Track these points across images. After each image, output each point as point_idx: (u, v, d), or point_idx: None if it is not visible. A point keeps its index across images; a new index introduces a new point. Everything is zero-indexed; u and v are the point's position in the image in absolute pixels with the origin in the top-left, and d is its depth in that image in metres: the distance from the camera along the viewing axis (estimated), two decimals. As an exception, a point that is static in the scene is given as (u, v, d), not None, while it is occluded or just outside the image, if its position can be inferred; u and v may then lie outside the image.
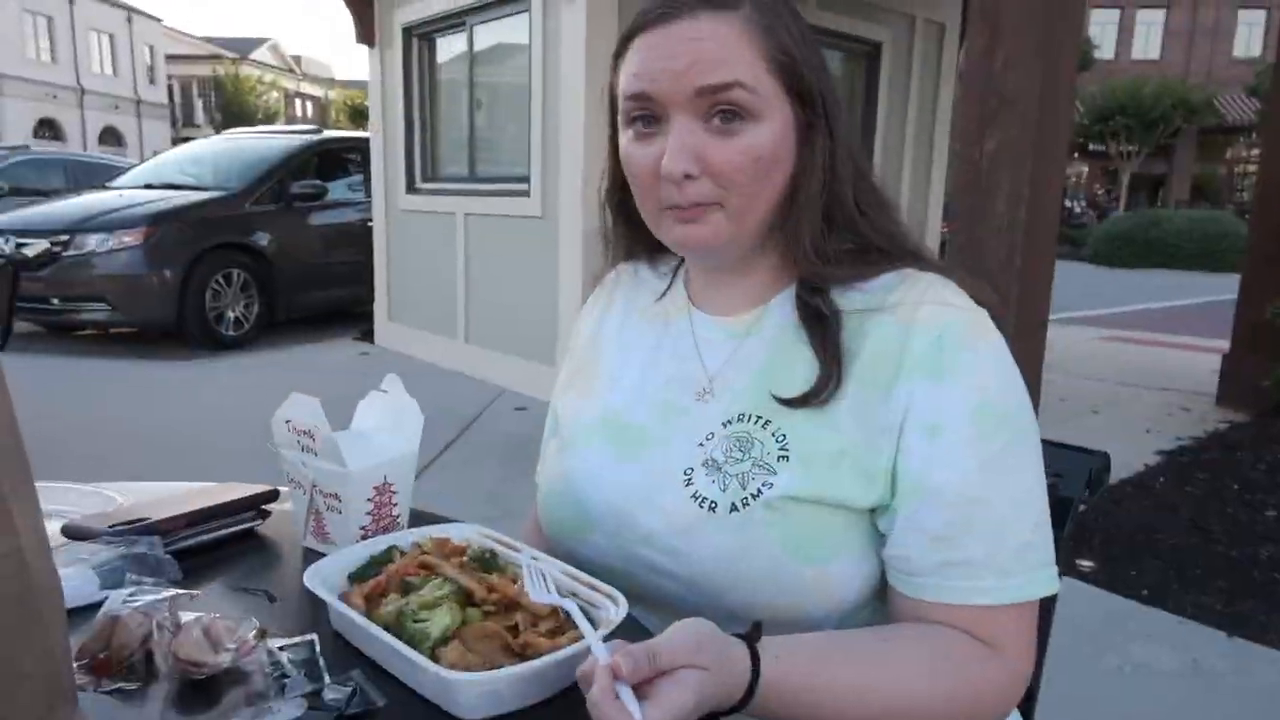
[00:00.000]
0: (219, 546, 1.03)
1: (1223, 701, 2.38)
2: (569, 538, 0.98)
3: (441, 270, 6.10)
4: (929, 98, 6.68)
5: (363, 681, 0.74)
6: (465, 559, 0.88)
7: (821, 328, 0.88)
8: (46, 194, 8.59)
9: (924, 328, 0.84)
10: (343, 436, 1.00)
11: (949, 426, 0.82)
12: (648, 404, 0.97)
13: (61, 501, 1.11)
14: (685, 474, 0.90)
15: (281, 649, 0.79)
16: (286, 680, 0.75)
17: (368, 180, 7.10)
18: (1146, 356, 7.40)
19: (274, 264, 6.86)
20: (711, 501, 0.87)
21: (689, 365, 0.97)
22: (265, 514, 1.09)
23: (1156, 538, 3.36)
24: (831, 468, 0.84)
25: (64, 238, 6.17)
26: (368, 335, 7.11)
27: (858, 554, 0.86)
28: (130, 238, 6.18)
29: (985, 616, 0.81)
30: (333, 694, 0.72)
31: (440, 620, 0.75)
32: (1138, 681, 2.45)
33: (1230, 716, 2.32)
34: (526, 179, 5.26)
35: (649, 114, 0.86)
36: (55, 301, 6.21)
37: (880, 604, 0.89)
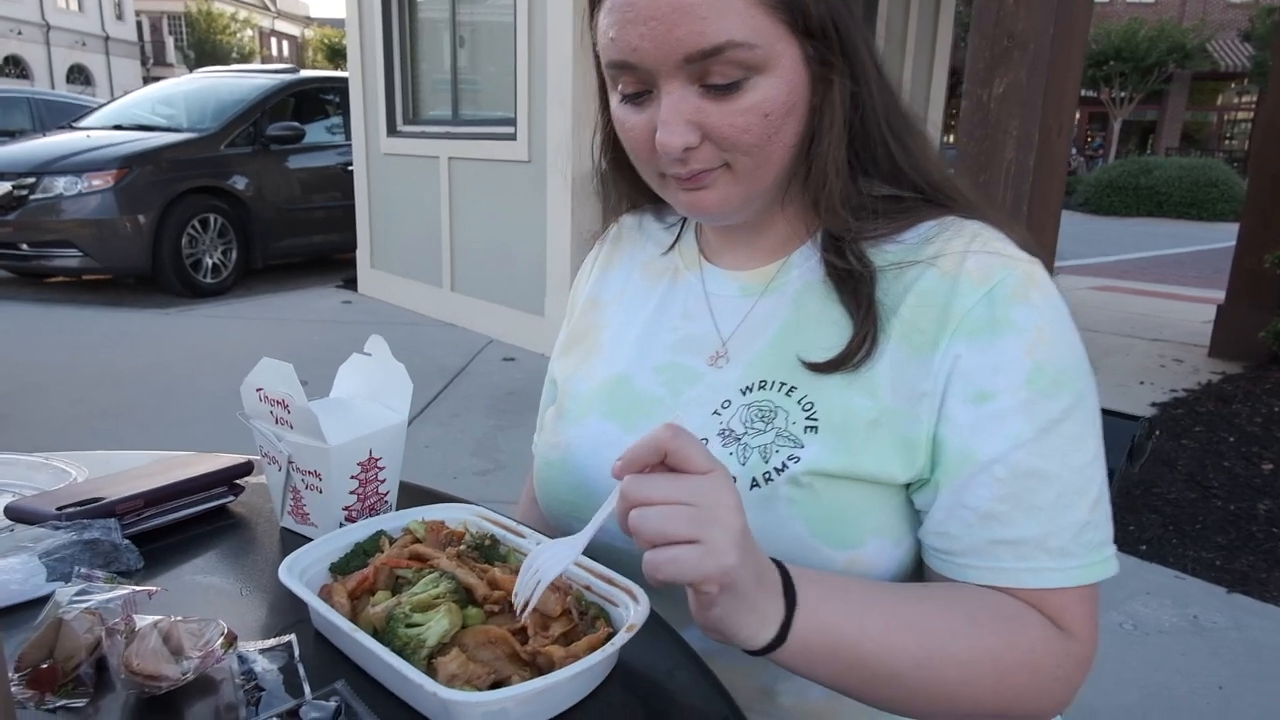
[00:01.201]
0: (185, 527, 0.93)
1: (1223, 657, 2.36)
2: (569, 515, 0.88)
3: (425, 216, 5.92)
4: (926, 42, 6.48)
5: (349, 696, 0.64)
6: (463, 547, 0.78)
7: (853, 284, 0.78)
8: (11, 134, 8.27)
9: (971, 280, 0.74)
10: (321, 406, 0.89)
11: (1000, 391, 0.72)
12: (654, 369, 0.87)
13: (6, 475, 0.99)
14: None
15: (255, 654, 0.69)
16: (261, 694, 0.65)
17: (347, 123, 6.86)
18: (1138, 306, 7.35)
19: (251, 209, 6.66)
20: (731, 477, 0.77)
21: (700, 326, 0.87)
22: (238, 489, 0.98)
23: (1154, 492, 3.32)
24: (866, 439, 0.74)
25: (30, 180, 5.94)
26: (350, 283, 6.94)
27: (893, 535, 0.77)
28: (100, 180, 5.95)
29: (1040, 599, 0.72)
30: (314, 712, 0.62)
31: (438, 625, 0.65)
32: (1138, 638, 2.43)
33: (1231, 672, 2.30)
34: (512, 121, 5.07)
35: (635, 83, 0.74)
36: (24, 247, 6.01)
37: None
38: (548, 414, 0.97)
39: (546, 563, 0.66)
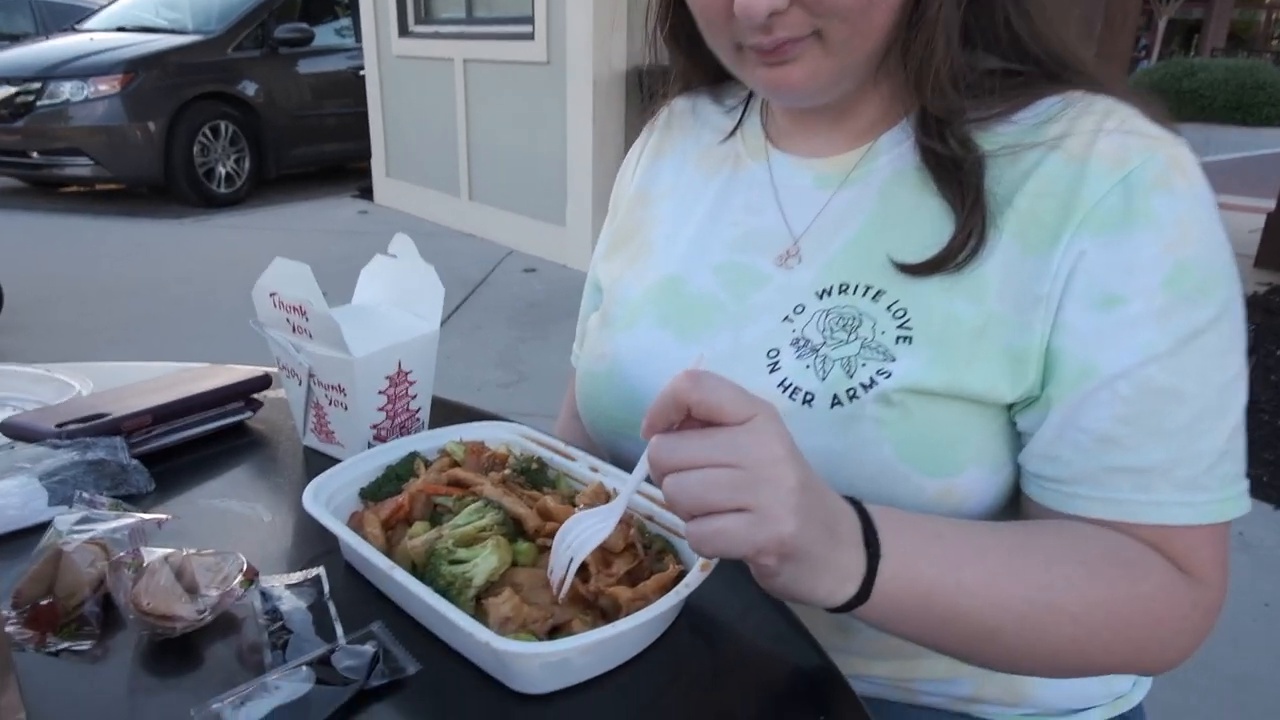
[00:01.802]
0: (198, 446, 0.84)
1: (1271, 575, 2.30)
2: (617, 435, 0.79)
3: (441, 122, 5.71)
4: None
5: (387, 640, 0.57)
6: (507, 472, 0.69)
7: (956, 172, 0.66)
8: (14, 38, 8.03)
9: (1104, 164, 0.62)
10: (344, 314, 0.80)
11: (1134, 294, 0.61)
12: (713, 270, 0.77)
13: (5, 388, 0.91)
14: (769, 356, 0.70)
15: (281, 589, 0.62)
16: (288, 636, 0.58)
17: (357, 24, 6.58)
18: (1180, 216, 7.07)
19: (262, 116, 6.46)
20: (807, 393, 0.67)
21: (766, 221, 0.76)
22: (256, 404, 0.90)
23: (1199, 407, 3.21)
24: (969, 351, 0.64)
25: (36, 85, 5.77)
26: (366, 193, 6.78)
27: (992, 462, 0.67)
28: (106, 85, 5.77)
29: (1163, 538, 0.62)
30: (349, 659, 0.54)
31: (485, 562, 0.57)
32: (1184, 557, 2.36)
33: (1278, 590, 2.25)
34: (530, 19, 4.81)
35: None
36: (35, 155, 5.89)
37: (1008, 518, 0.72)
38: (590, 322, 0.87)
39: (580, 536, 0.57)
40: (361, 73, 6.57)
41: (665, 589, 0.59)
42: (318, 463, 0.79)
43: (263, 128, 6.49)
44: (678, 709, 0.54)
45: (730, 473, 0.49)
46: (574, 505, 0.66)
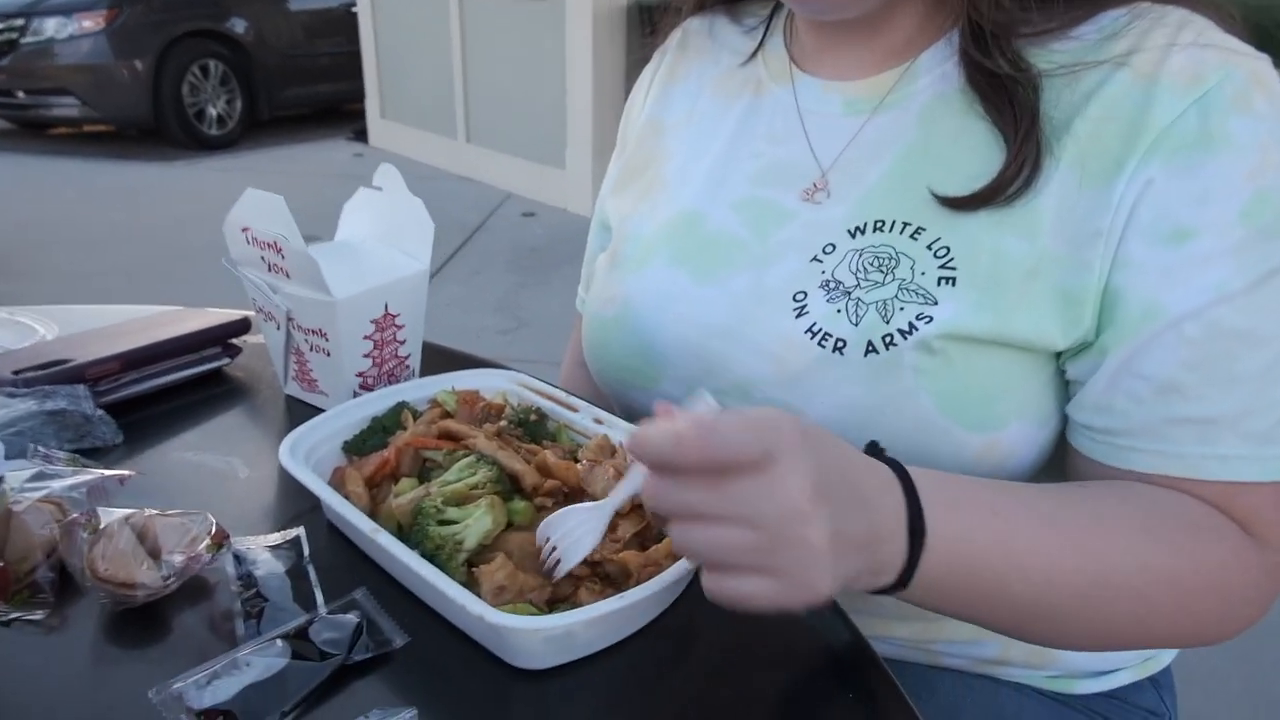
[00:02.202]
0: (171, 396, 0.79)
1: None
2: (627, 385, 0.73)
3: (436, 61, 5.54)
4: None
5: (371, 609, 0.51)
6: (503, 423, 0.63)
7: (1007, 93, 0.59)
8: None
9: (1177, 82, 0.55)
10: (324, 252, 0.73)
11: (1205, 227, 0.54)
12: (733, 206, 0.70)
13: (-36, 334, 0.85)
14: (796, 300, 0.64)
15: (257, 552, 0.56)
16: (264, 605, 0.52)
17: (348, -44, 6.37)
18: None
19: (253, 55, 6.28)
20: (838, 339, 0.61)
21: (791, 151, 0.69)
22: (234, 350, 0.84)
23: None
24: (1019, 293, 0.58)
25: (19, 22, 5.59)
26: (361, 135, 6.62)
27: (1039, 414, 0.61)
28: (90, 21, 5.59)
29: (1227, 497, 0.56)
30: (329, 631, 0.49)
31: (478, 523, 0.52)
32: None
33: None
34: (528, -49, 4.63)
35: None
36: (21, 95, 5.73)
37: (1051, 478, 0.66)
38: (598, 263, 0.80)
39: (569, 538, 0.51)
40: (353, 9, 6.36)
41: (678, 553, 0.53)
42: (300, 413, 0.73)
43: (253, 67, 6.31)
44: (692, 681, 0.49)
45: (745, 534, 0.41)
46: (575, 460, 0.60)
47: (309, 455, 0.60)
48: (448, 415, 0.65)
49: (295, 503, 0.63)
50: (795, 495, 0.40)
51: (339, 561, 0.57)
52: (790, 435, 0.42)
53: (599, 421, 0.66)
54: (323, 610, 0.51)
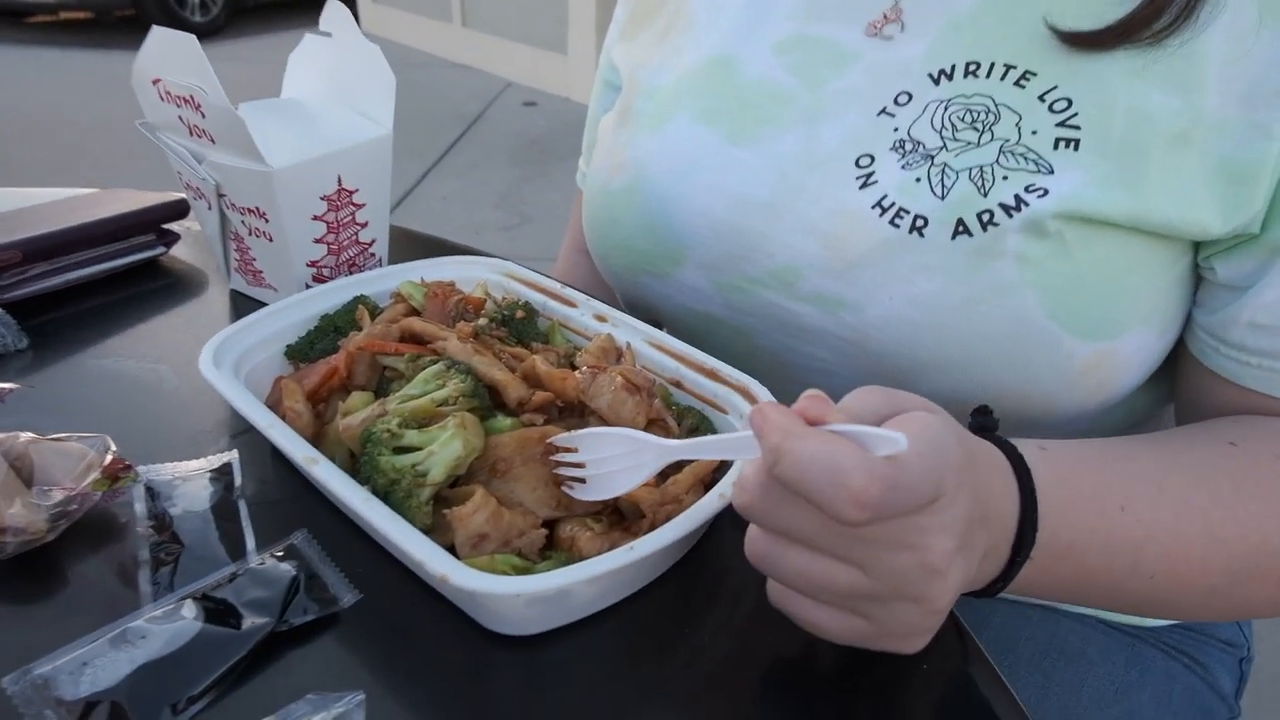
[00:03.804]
0: (96, 292, 0.66)
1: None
2: (639, 273, 0.60)
3: (428, -64, 5.19)
4: None
5: (314, 558, 0.40)
6: (482, 321, 0.51)
7: None
8: None
9: None
10: (262, 112, 0.59)
11: None
12: (775, 48, 0.56)
13: None
14: (860, 165, 0.51)
15: (175, 483, 0.45)
16: (179, 551, 0.41)
17: None
18: None
19: (235, -67, 5.91)
20: (917, 217, 0.48)
21: None
22: (171, 237, 0.71)
23: None
24: (1164, 163, 0.45)
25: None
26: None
27: (1162, 321, 0.50)
28: (62, -100, 5.23)
29: None
30: (256, 588, 0.38)
31: (446, 450, 0.40)
32: None
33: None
34: None
35: None
36: (-7, -19, 5.43)
37: (1143, 397, 0.54)
38: (603, 125, 0.66)
39: (607, 466, 0.40)
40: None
41: (701, 484, 0.42)
42: (250, 311, 0.61)
43: (236, -53, 5.96)
44: (717, 641, 0.39)
45: (859, 580, 0.32)
46: (574, 367, 0.48)
47: (241, 362, 0.49)
48: (414, 312, 0.52)
49: (236, 421, 0.52)
50: (937, 553, 0.32)
51: (281, 493, 0.46)
52: (955, 474, 0.32)
53: (601, 319, 0.53)
54: (252, 559, 0.40)
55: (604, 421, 0.44)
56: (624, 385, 0.44)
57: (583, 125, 0.77)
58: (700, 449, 0.37)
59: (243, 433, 0.51)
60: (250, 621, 0.37)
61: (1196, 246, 0.48)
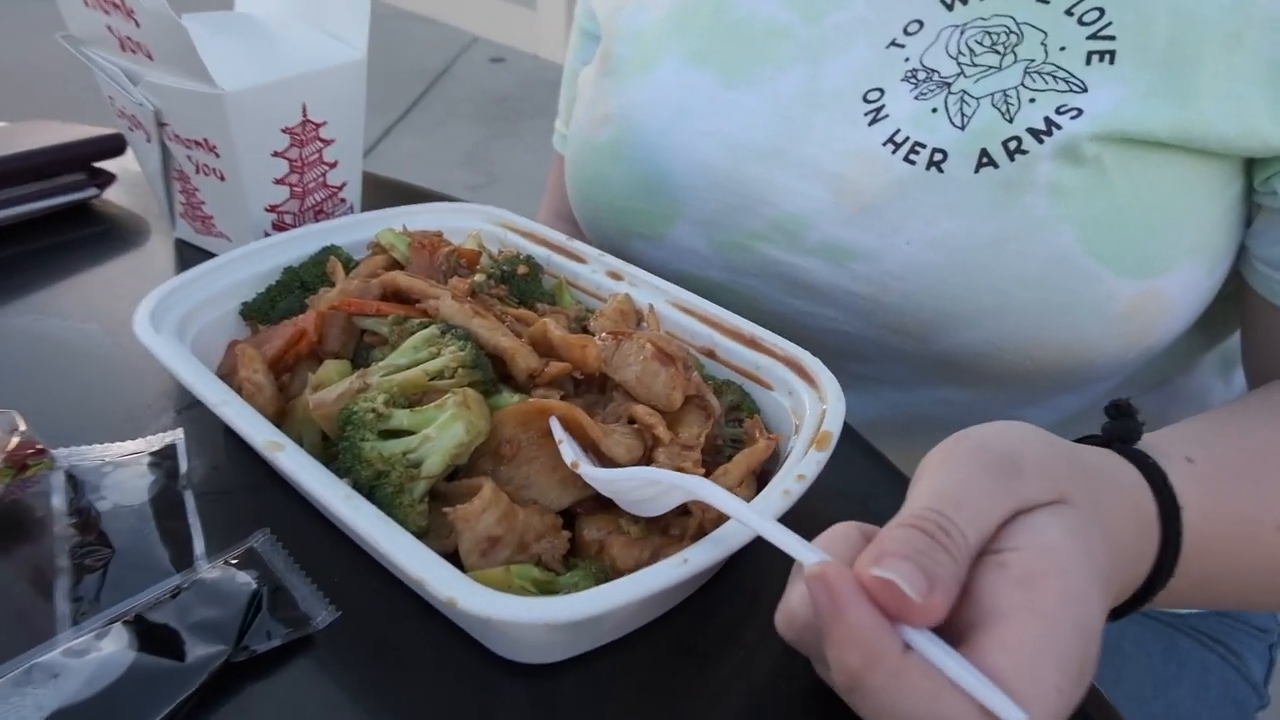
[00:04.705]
0: (9, 239, 0.57)
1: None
2: (630, 235, 0.54)
3: (389, -119, 4.95)
4: None
5: (279, 565, 0.33)
6: (478, 278, 0.43)
7: None
8: None
9: None
10: (212, 27, 0.50)
11: None
12: None
13: None
14: (869, 100, 0.46)
15: (105, 470, 0.37)
16: (107, 559, 0.33)
17: None
18: None
19: None
20: (935, 151, 0.43)
21: None
22: (104, 178, 0.61)
23: None
24: (1214, 70, 0.40)
25: None
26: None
27: (1215, 252, 0.44)
28: None
29: None
30: (208, 607, 0.30)
31: (446, 436, 0.32)
32: None
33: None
34: None
35: None
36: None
37: (1183, 344, 0.49)
38: (583, 77, 0.59)
39: (640, 493, 0.32)
40: None
41: (754, 474, 0.35)
42: (195, 264, 0.52)
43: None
44: (761, 659, 0.32)
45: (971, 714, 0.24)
46: (588, 332, 0.40)
47: (186, 323, 0.40)
48: (396, 266, 0.44)
49: (182, 394, 0.43)
50: (1054, 681, 0.23)
51: (239, 485, 0.38)
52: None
53: (616, 276, 0.46)
54: (201, 568, 0.32)
55: (630, 397, 0.37)
56: (655, 354, 0.36)
57: (554, 84, 0.69)
58: (766, 529, 0.27)
59: (188, 407, 0.42)
60: (199, 650, 0.29)
61: (1249, 170, 0.42)
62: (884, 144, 0.44)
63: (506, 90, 3.90)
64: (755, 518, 0.27)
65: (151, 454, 0.38)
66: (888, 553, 0.23)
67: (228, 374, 0.39)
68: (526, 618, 0.26)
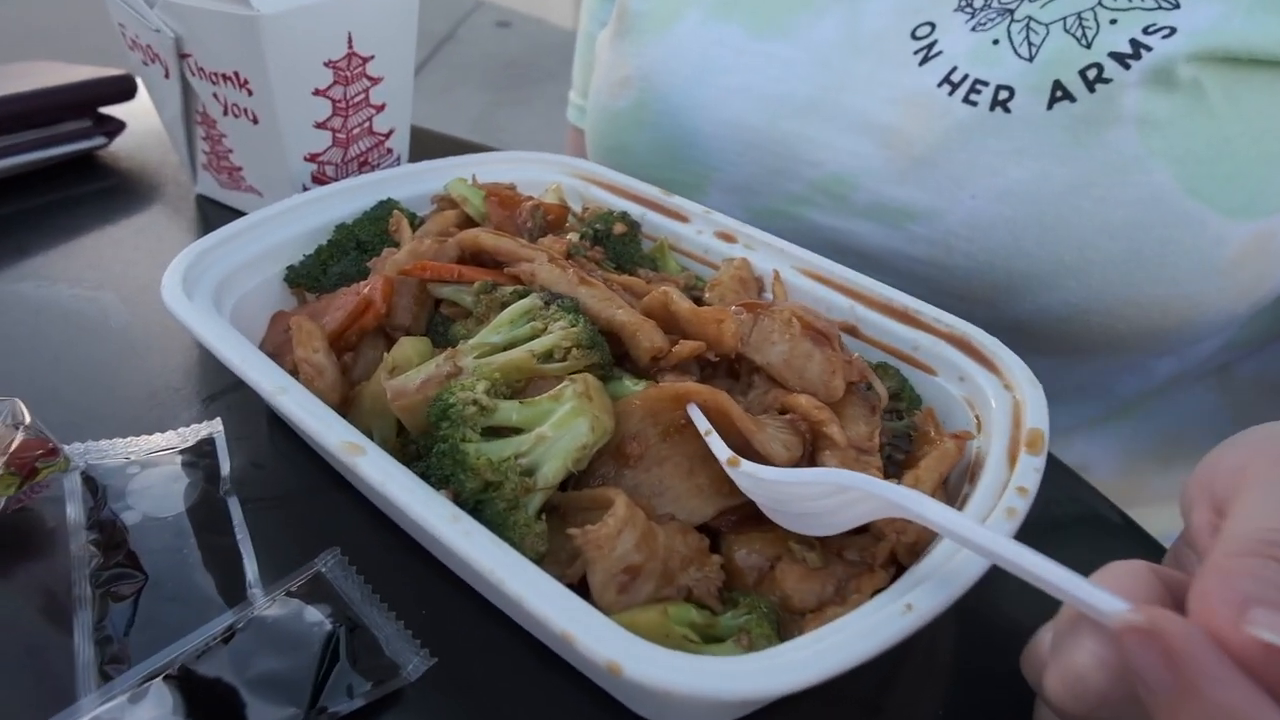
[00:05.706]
0: (9, 193, 0.50)
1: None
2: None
3: None
4: None
5: (357, 600, 0.26)
6: (573, 238, 0.36)
7: None
8: None
9: None
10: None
11: None
12: None
13: None
14: (918, 37, 0.40)
15: (130, 473, 0.30)
16: (140, 587, 0.26)
17: None
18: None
19: None
20: (999, 89, 0.38)
21: None
22: (113, 126, 0.54)
23: None
24: None
25: None
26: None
27: None
28: None
29: None
30: (271, 655, 0.24)
31: (567, 435, 0.25)
32: None
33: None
34: None
35: None
36: None
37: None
38: (600, 40, 0.53)
39: (817, 504, 0.25)
40: None
41: (943, 476, 0.28)
42: (221, 224, 0.45)
43: None
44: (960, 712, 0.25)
45: None
46: (702, 303, 0.33)
47: (222, 291, 0.33)
48: (470, 223, 0.37)
49: (215, 376, 0.37)
50: None
51: (293, 488, 0.31)
52: None
53: (728, 237, 0.39)
54: (258, 600, 0.26)
55: (775, 383, 0.30)
56: (805, 331, 0.29)
57: (562, 48, 0.62)
58: (1048, 572, 0.19)
59: (222, 393, 0.35)
60: (264, 715, 0.22)
61: None
62: (939, 85, 0.39)
63: (514, 54, 3.80)
64: (1023, 551, 0.20)
65: (184, 451, 0.31)
66: (1254, 599, 0.17)
67: (274, 352, 0.32)
68: (730, 693, 0.19)
